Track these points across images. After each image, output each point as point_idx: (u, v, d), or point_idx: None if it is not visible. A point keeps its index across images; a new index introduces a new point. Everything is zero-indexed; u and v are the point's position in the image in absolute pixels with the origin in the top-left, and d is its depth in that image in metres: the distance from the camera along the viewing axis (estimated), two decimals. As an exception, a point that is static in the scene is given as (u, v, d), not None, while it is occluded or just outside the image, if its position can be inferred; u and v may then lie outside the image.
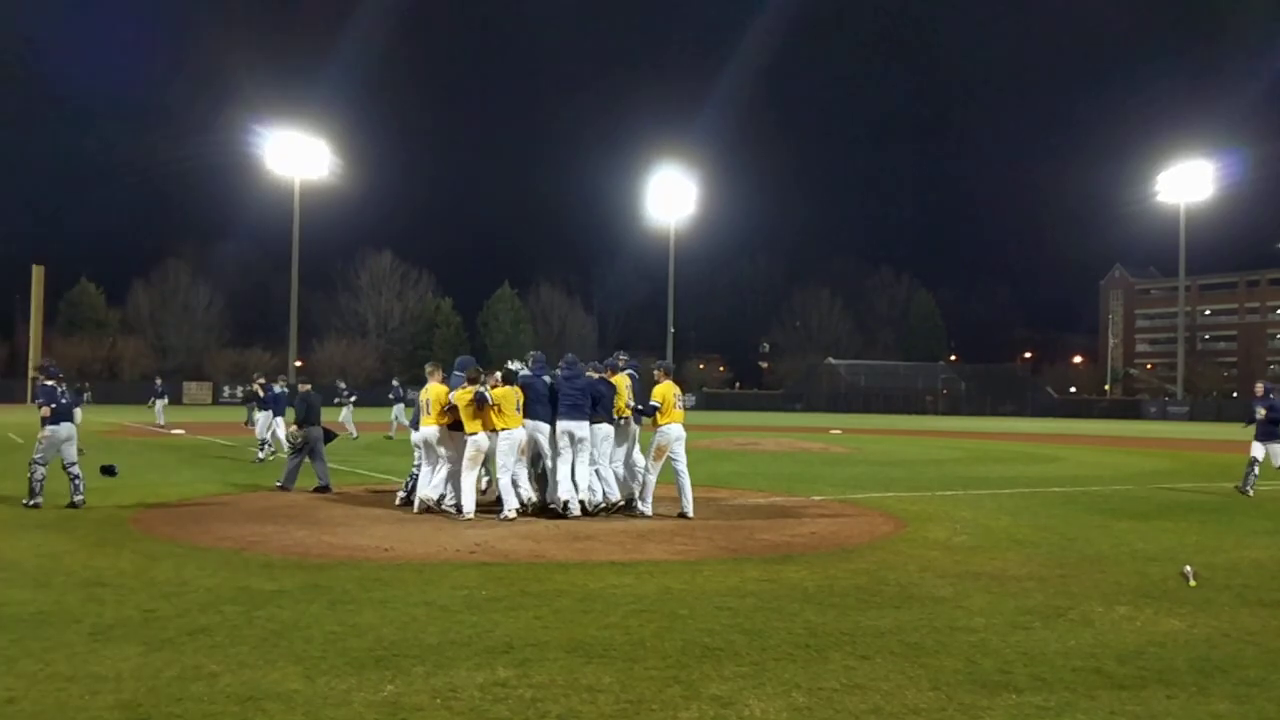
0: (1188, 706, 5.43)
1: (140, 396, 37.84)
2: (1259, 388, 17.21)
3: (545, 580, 8.63)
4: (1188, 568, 8.96)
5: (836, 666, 6.09)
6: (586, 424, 12.78)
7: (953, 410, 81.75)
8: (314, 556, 9.70)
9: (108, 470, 15.34)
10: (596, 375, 13.21)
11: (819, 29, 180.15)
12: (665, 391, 12.98)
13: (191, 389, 73.39)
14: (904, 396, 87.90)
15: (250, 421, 33.57)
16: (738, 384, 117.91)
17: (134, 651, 6.16)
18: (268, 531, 11.26)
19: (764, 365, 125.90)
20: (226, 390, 72.82)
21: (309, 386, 16.84)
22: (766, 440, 31.18)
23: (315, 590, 8.05)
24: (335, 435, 17.53)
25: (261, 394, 22.96)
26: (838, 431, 40.88)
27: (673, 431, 12.89)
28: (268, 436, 21.86)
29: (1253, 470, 16.49)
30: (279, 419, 21.22)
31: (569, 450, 12.75)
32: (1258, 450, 16.59)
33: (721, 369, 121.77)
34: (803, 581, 8.73)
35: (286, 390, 23.02)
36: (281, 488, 15.42)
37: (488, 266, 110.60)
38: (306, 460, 15.68)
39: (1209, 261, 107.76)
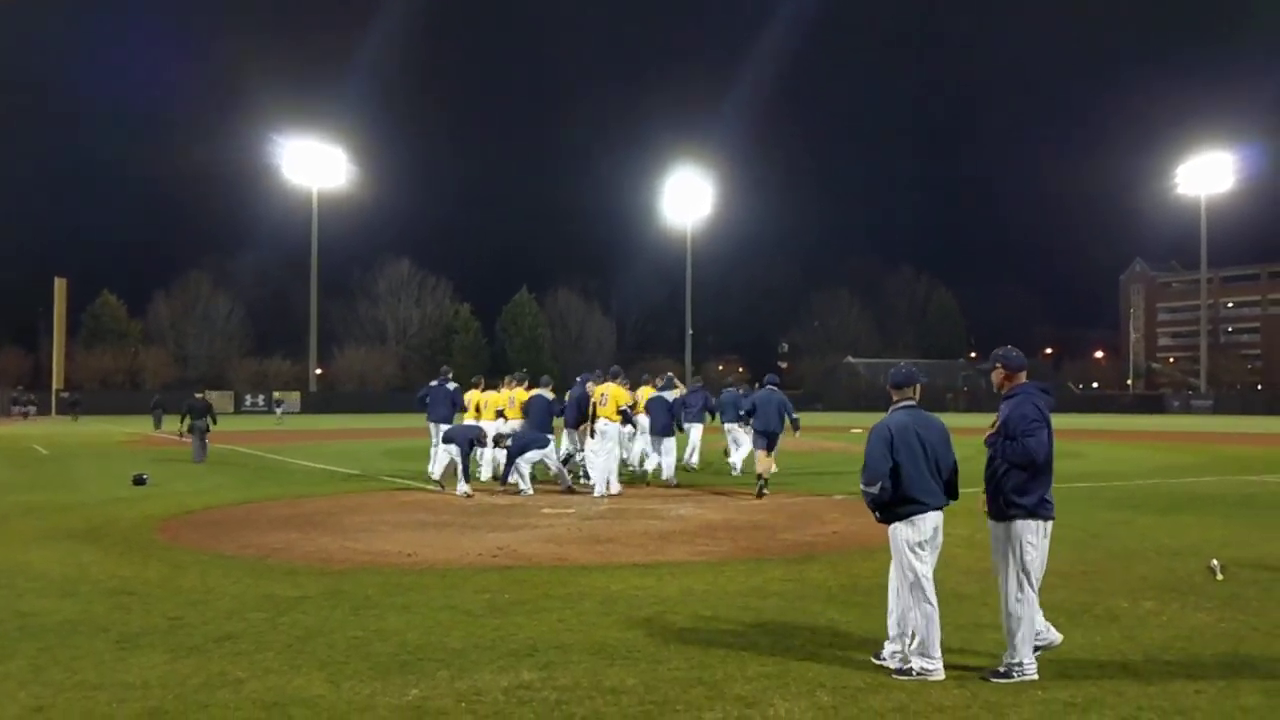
0: (1216, 701, 5.39)
1: (166, 407, 38.29)
2: None
3: (568, 583, 8.65)
4: (1214, 562, 8.89)
5: (861, 665, 6.07)
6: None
7: (974, 407, 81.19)
8: (337, 563, 9.74)
9: (139, 480, 16.64)
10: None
11: (836, 28, 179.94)
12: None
13: (213, 398, 74.06)
14: (925, 394, 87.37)
15: None
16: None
17: (160, 659, 6.21)
18: (291, 539, 11.32)
19: (783, 365, 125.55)
20: (249, 399, 73.39)
21: (202, 395, 24.93)
22: (787, 440, 31.00)
23: (339, 596, 8.09)
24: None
25: None
26: (859, 431, 40.68)
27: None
28: None
29: None
30: None
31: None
32: None
33: (740, 370, 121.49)
34: (826, 581, 8.72)
35: None
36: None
37: (506, 272, 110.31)
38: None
39: (1231, 254, 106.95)
